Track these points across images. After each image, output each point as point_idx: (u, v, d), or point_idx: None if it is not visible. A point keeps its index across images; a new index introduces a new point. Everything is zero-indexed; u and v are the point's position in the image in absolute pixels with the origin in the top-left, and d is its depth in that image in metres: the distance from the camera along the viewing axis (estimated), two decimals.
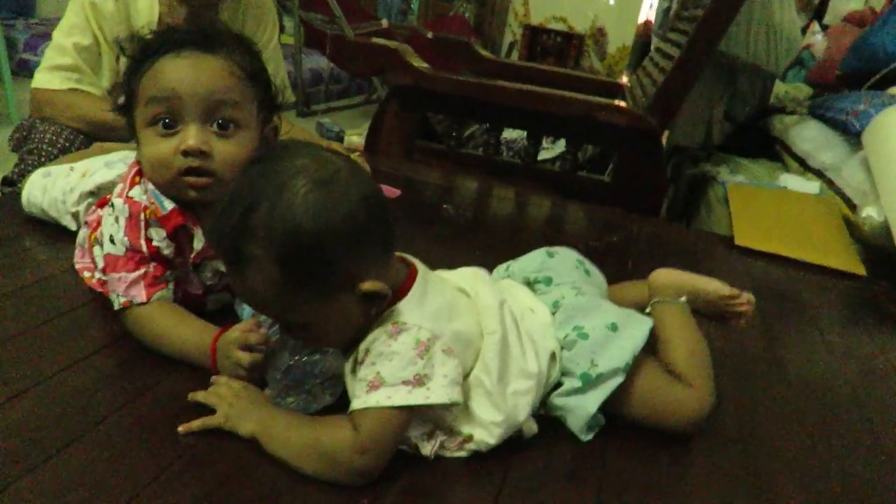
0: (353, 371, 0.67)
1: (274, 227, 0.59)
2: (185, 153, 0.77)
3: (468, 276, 0.78)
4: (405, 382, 0.63)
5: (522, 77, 2.36)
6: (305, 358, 0.70)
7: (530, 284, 0.85)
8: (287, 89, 1.92)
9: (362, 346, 0.66)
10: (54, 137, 1.41)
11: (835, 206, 1.73)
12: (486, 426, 0.69)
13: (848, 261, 1.52)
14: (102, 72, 1.51)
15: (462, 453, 0.70)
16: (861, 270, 1.49)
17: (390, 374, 0.63)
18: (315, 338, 0.68)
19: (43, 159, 1.37)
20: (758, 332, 1.13)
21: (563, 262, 0.86)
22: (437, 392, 0.64)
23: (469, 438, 0.69)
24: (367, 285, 0.63)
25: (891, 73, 2.28)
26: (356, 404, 0.64)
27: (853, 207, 1.66)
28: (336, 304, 0.64)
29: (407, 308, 0.66)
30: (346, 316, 0.65)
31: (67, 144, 1.42)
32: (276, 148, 0.66)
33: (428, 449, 0.69)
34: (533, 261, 0.86)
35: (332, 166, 0.63)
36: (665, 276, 0.88)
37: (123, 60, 1.50)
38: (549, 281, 0.83)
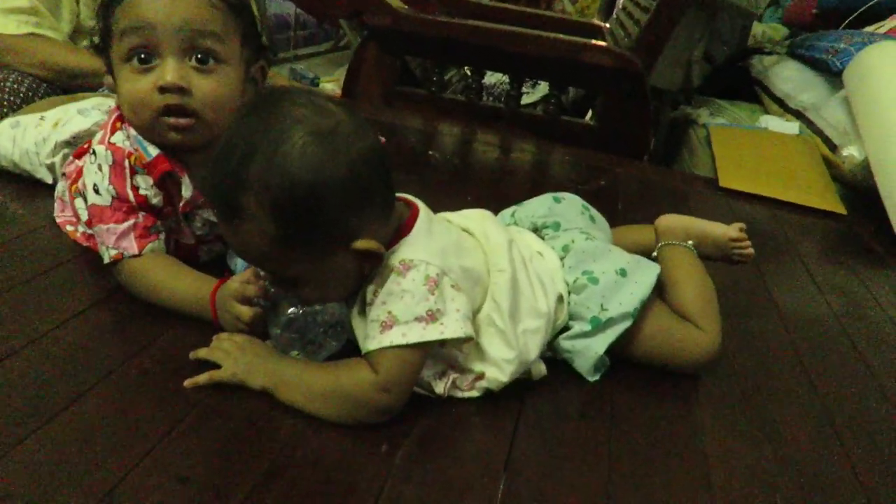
0: (362, 313, 0.66)
1: (270, 180, 0.56)
2: (163, 89, 0.72)
3: (475, 217, 0.77)
4: (418, 319, 0.62)
5: (500, 19, 2.30)
6: (307, 307, 0.69)
7: (538, 230, 0.84)
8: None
9: (370, 288, 0.64)
10: (15, 86, 1.33)
11: (814, 146, 1.74)
12: (497, 364, 0.69)
13: (829, 200, 1.55)
14: (62, 14, 1.42)
15: (474, 392, 0.70)
16: (842, 209, 1.52)
17: (403, 311, 0.62)
18: (308, 293, 0.66)
19: (5, 110, 1.29)
20: (749, 270, 1.14)
21: (570, 207, 0.85)
22: (452, 327, 0.63)
23: (481, 376, 0.69)
24: (362, 244, 0.61)
25: (867, 10, 2.28)
26: (371, 345, 0.63)
27: (833, 147, 1.68)
28: (330, 261, 0.62)
29: (413, 244, 0.65)
30: (340, 272, 0.63)
31: (30, 94, 1.34)
32: (274, 94, 0.62)
33: (441, 387, 0.68)
34: (540, 206, 0.85)
35: (334, 117, 0.60)
36: (672, 221, 0.88)
37: (84, 2, 1.43)
38: (557, 226, 0.82)
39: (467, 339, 0.66)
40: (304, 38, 4.33)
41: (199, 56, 0.74)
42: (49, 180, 1.00)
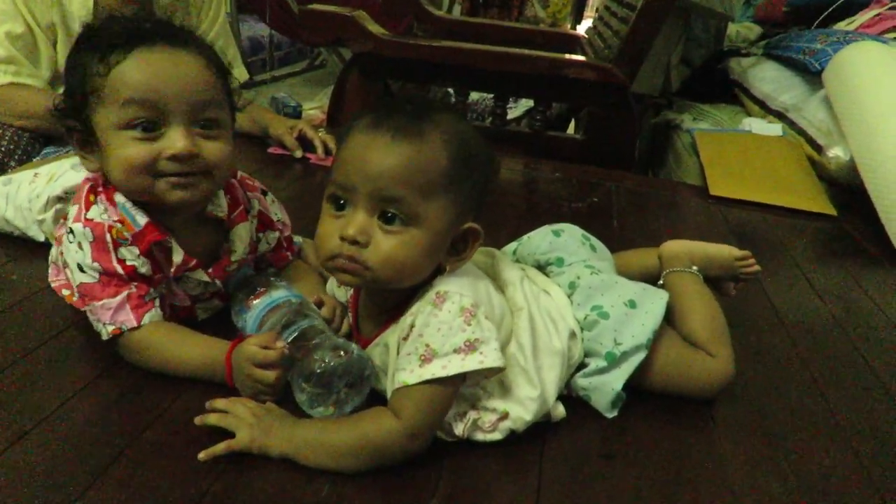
0: (398, 350, 0.66)
1: (456, 126, 0.65)
2: (174, 158, 0.70)
3: (484, 256, 0.77)
4: (457, 351, 0.62)
5: (476, 34, 2.30)
6: (331, 363, 0.68)
7: (541, 267, 0.83)
8: (239, 66, 1.81)
9: (408, 320, 0.65)
10: None
11: (799, 147, 1.76)
12: (522, 402, 0.69)
13: (818, 202, 1.56)
14: (40, 61, 1.40)
15: (496, 435, 0.69)
16: (831, 210, 1.54)
17: (440, 344, 0.62)
18: (405, 243, 0.63)
19: None
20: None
21: (571, 239, 0.85)
22: (491, 356, 0.63)
23: (505, 416, 0.69)
24: (474, 224, 0.65)
25: (837, 7, 2.32)
26: (410, 378, 0.62)
27: (817, 147, 1.70)
28: (449, 219, 0.64)
29: (447, 280, 0.66)
30: (442, 237, 0.64)
31: (13, 146, 1.32)
32: None
33: (460, 429, 0.68)
34: (541, 241, 0.84)
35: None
36: (676, 247, 0.88)
37: (61, 47, 1.40)
38: (560, 261, 0.82)
39: (501, 370, 0.66)
40: (279, 59, 4.31)
41: (203, 123, 0.72)
42: (41, 238, 0.98)
